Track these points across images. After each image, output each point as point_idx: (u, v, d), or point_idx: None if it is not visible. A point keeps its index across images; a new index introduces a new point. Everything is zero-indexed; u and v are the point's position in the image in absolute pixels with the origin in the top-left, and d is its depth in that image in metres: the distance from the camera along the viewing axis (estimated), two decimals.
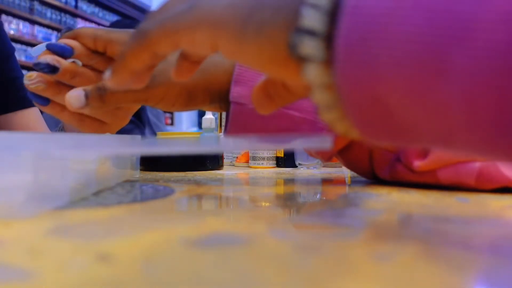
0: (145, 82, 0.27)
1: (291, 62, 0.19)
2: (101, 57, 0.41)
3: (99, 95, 0.36)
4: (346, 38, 0.16)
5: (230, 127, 0.40)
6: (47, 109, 0.40)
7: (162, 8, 0.25)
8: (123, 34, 0.40)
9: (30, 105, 0.72)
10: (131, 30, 0.41)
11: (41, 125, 0.74)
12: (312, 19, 0.18)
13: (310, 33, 0.18)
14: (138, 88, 0.27)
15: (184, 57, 0.27)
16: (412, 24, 0.15)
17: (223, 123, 0.89)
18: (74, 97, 0.35)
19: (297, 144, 0.24)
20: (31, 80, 0.38)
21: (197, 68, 0.27)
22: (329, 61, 0.18)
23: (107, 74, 0.26)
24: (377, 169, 0.42)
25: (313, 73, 0.18)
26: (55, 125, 0.65)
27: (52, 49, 0.38)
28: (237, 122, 0.40)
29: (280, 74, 0.21)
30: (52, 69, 0.37)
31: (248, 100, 0.38)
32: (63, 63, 0.38)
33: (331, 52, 0.17)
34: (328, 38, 0.17)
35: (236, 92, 0.39)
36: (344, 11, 0.17)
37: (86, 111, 0.37)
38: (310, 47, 0.18)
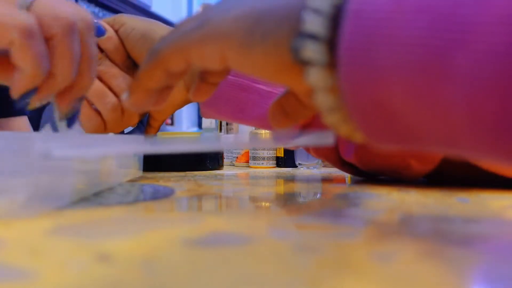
0: (162, 103, 0.27)
1: (295, 67, 0.19)
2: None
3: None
4: (348, 42, 0.16)
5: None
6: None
7: (176, 28, 0.25)
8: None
9: (20, 113, 0.74)
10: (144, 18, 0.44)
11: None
12: (314, 23, 0.18)
13: (312, 37, 0.18)
14: (156, 109, 0.28)
15: (201, 79, 0.27)
16: (414, 28, 0.15)
17: (223, 123, 0.89)
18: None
19: (299, 142, 0.24)
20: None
21: (214, 90, 0.28)
22: (331, 65, 0.18)
23: (124, 96, 0.26)
24: (343, 152, 0.42)
25: (316, 76, 0.18)
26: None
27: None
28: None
29: (286, 81, 0.21)
30: None
31: None
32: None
33: (333, 56, 0.18)
34: (331, 42, 0.18)
35: None
36: (346, 15, 0.17)
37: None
38: (312, 51, 0.18)
